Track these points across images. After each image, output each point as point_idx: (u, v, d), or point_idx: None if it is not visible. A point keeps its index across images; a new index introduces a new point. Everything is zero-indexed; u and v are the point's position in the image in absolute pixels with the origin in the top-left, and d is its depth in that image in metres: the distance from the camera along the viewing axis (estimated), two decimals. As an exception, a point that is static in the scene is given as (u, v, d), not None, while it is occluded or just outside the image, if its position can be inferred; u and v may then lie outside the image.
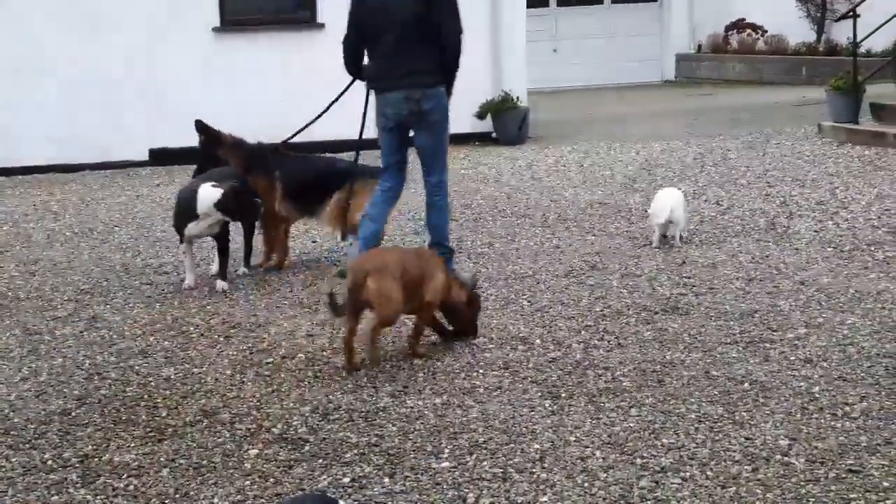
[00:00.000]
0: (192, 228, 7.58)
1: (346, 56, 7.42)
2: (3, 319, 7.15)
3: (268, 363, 6.02)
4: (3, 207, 11.29)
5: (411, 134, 7.36)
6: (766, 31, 21.63)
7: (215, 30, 14.03)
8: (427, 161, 7.35)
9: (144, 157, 13.80)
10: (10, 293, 7.80)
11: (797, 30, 20.95)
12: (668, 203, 8.06)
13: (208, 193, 7.52)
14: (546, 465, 4.55)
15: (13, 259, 8.88)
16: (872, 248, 7.74)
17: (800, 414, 4.95)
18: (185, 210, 7.59)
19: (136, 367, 6.06)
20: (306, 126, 8.16)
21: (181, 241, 7.77)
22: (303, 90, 13.71)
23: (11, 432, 5.21)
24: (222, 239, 7.73)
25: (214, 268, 7.91)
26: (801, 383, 5.30)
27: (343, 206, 7.93)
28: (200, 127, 8.28)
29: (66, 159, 13.51)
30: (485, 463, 4.61)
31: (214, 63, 13.88)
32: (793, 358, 5.66)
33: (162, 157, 13.73)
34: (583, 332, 6.25)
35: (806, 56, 20.25)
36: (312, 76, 13.95)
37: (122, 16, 13.62)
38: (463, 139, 12.34)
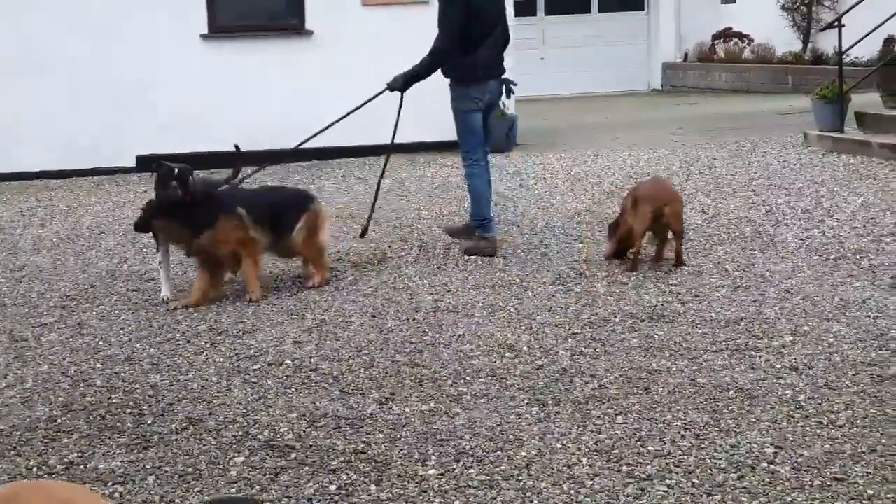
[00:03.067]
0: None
1: (451, 54, 8.12)
2: (-12, 326, 7.14)
3: (254, 370, 6.01)
4: (-10, 214, 11.26)
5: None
6: (753, 40, 21.71)
7: (203, 37, 14.02)
8: (488, 134, 8.51)
9: (132, 163, 13.78)
10: (-5, 300, 7.79)
11: (783, 39, 21.03)
12: None
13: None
14: (532, 473, 4.55)
15: (-1, 265, 8.87)
16: (858, 257, 7.76)
17: (785, 422, 4.96)
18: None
19: (122, 374, 6.05)
20: (320, 132, 8.62)
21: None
22: (291, 98, 13.76)
23: (-3, 439, 5.20)
24: None
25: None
26: (787, 391, 5.32)
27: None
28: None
29: (54, 166, 13.50)
30: (471, 470, 4.61)
31: (202, 70, 13.86)
32: (778, 366, 5.67)
33: (149, 164, 13.67)
34: (570, 340, 6.26)
35: (792, 65, 20.34)
36: (301, 84, 14.00)
37: (110, 24, 13.60)
38: (451, 146, 12.34)
